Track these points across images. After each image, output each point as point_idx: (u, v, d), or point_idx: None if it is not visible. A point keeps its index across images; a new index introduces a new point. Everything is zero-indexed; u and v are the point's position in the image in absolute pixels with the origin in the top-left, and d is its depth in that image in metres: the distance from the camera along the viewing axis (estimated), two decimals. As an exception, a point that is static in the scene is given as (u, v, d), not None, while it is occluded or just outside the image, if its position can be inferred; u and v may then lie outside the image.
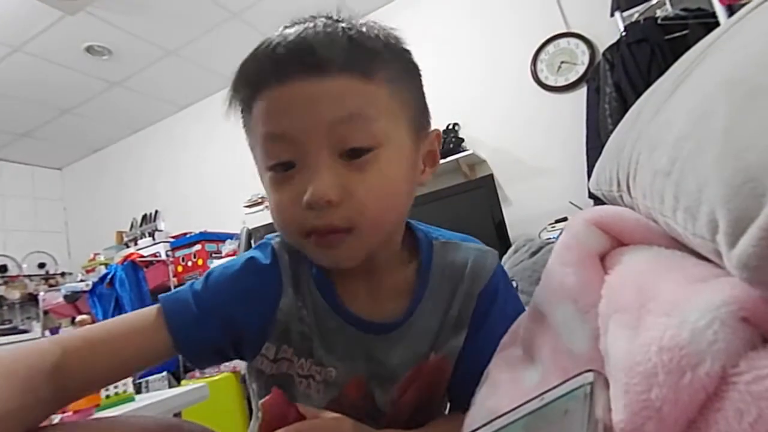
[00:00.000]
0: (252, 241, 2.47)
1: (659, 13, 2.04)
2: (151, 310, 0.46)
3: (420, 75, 0.47)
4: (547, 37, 2.53)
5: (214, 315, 0.46)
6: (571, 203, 2.26)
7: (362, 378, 0.48)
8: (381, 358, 0.49)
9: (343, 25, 0.41)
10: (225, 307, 0.46)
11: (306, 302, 0.49)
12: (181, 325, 0.45)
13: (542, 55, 2.55)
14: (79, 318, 1.61)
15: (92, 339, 0.43)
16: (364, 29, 0.42)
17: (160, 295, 0.47)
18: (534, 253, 1.39)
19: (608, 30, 2.27)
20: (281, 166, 0.41)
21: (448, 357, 0.50)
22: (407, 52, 0.46)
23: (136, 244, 3.57)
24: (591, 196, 1.94)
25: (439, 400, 0.54)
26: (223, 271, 0.49)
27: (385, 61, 0.42)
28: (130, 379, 1.05)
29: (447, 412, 0.55)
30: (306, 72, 0.39)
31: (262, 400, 0.35)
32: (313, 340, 0.49)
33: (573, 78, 2.46)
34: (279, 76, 0.39)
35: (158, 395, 1.02)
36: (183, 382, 2.31)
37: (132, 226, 3.88)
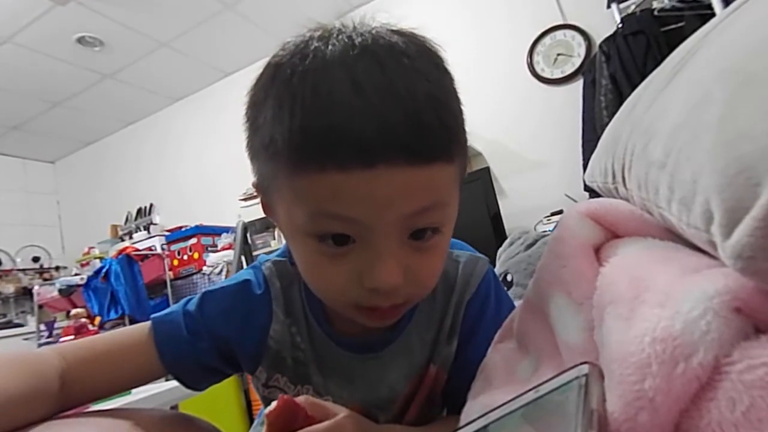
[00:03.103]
0: (248, 235, 2.47)
1: (656, 4, 2.04)
2: (145, 328, 0.46)
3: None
4: (544, 29, 2.52)
5: (204, 337, 0.47)
6: (567, 196, 2.27)
7: (357, 407, 0.47)
8: (379, 376, 0.48)
9: (425, 89, 0.33)
10: (217, 328, 0.47)
11: (300, 328, 0.49)
12: (170, 349, 0.46)
13: (539, 48, 2.54)
14: (73, 312, 1.61)
15: (93, 352, 0.44)
16: (442, 97, 0.34)
17: (152, 315, 0.48)
18: (529, 246, 1.39)
19: (604, 22, 2.26)
20: (332, 238, 0.35)
21: (444, 367, 0.50)
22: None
23: (131, 237, 3.55)
24: (587, 188, 1.95)
25: (438, 406, 0.54)
26: (217, 292, 0.49)
27: (462, 137, 0.37)
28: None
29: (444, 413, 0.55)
30: (398, 161, 0.32)
31: (267, 411, 0.34)
32: (309, 366, 0.49)
33: (569, 70, 2.46)
34: (364, 160, 0.31)
35: (154, 388, 1.02)
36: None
37: (127, 219, 3.87)
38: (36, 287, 3.30)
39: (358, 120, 0.31)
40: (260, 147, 0.36)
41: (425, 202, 0.34)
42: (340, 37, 0.34)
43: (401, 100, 0.32)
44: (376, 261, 0.35)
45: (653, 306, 0.23)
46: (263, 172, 0.39)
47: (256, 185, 0.42)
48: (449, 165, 0.35)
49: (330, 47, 0.33)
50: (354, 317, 0.40)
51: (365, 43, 0.34)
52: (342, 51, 0.33)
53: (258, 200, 0.44)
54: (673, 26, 1.98)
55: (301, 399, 0.36)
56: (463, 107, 0.38)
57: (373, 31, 0.35)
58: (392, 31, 0.36)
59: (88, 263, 3.45)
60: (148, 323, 0.47)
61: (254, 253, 2.38)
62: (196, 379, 0.49)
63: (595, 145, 0.43)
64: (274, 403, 0.34)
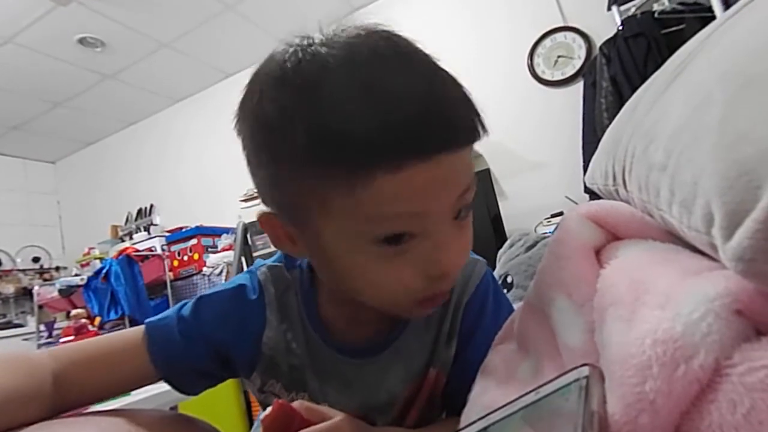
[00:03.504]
0: (248, 236, 2.46)
1: (656, 7, 2.04)
2: (140, 332, 0.46)
3: None
4: (544, 30, 2.53)
5: (199, 341, 0.46)
6: (567, 198, 2.27)
7: (355, 411, 0.47)
8: (378, 380, 0.48)
9: (443, 73, 0.37)
10: (212, 333, 0.47)
11: (296, 334, 0.49)
12: (163, 353, 0.45)
13: (539, 50, 2.54)
14: (73, 312, 1.61)
15: (87, 355, 0.44)
16: (460, 84, 0.38)
17: (146, 320, 0.48)
18: (530, 248, 1.39)
19: (605, 24, 2.26)
20: (391, 238, 0.35)
21: (443, 370, 0.50)
22: None
23: (131, 238, 3.55)
24: (587, 190, 1.95)
25: (439, 409, 0.54)
26: (212, 297, 0.49)
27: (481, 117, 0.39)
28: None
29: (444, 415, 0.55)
30: (450, 145, 0.34)
31: (262, 416, 0.34)
32: (305, 372, 0.49)
33: (570, 72, 2.47)
34: (422, 152, 0.32)
35: (154, 388, 1.02)
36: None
37: (127, 220, 3.87)
38: (36, 287, 3.30)
39: (408, 116, 0.31)
40: (290, 169, 0.34)
41: (468, 181, 0.37)
42: (347, 40, 0.34)
43: (436, 90, 0.34)
44: (439, 247, 0.36)
45: (654, 308, 0.23)
46: (292, 196, 0.36)
47: (271, 216, 0.40)
48: (474, 144, 0.38)
49: (345, 51, 0.33)
50: (410, 313, 0.41)
51: (376, 45, 0.35)
52: (368, 54, 0.34)
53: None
54: (673, 29, 1.98)
55: (296, 404, 0.36)
56: None
57: (375, 35, 0.36)
58: (391, 32, 0.37)
59: (88, 263, 3.45)
60: (143, 327, 0.47)
61: (254, 254, 2.38)
62: (189, 383, 0.49)
63: (596, 147, 0.43)
64: (269, 408, 0.34)
